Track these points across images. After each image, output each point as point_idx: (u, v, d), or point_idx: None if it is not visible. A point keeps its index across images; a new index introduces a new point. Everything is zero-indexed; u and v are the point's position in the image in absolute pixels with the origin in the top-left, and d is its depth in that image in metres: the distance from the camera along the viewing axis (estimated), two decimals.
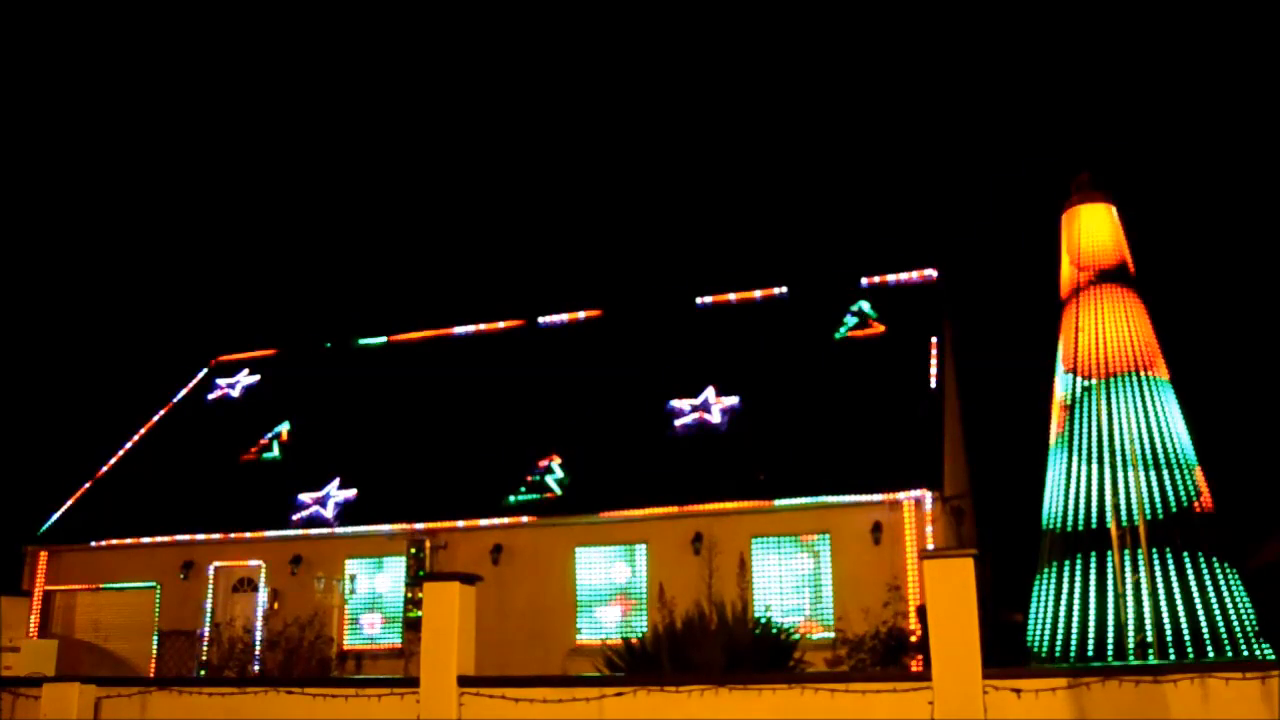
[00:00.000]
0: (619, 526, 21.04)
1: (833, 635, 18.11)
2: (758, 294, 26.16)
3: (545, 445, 22.95)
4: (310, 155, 59.38)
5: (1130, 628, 17.07)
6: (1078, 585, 18.03)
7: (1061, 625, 18.01)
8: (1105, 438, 18.56)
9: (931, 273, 25.01)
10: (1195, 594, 17.50)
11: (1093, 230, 20.13)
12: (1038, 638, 18.43)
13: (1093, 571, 17.93)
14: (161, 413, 29.04)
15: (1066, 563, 18.33)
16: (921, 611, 15.82)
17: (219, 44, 57.14)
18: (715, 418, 22.40)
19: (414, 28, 58.64)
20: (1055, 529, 18.77)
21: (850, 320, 23.94)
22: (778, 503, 20.10)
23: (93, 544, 24.64)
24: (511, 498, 21.95)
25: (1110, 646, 17.34)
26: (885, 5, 56.07)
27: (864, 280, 25.22)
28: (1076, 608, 17.92)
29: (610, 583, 20.98)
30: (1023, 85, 53.75)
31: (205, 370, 30.44)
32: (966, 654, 11.39)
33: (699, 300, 26.60)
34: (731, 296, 26.37)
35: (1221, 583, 17.69)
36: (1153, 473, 18.14)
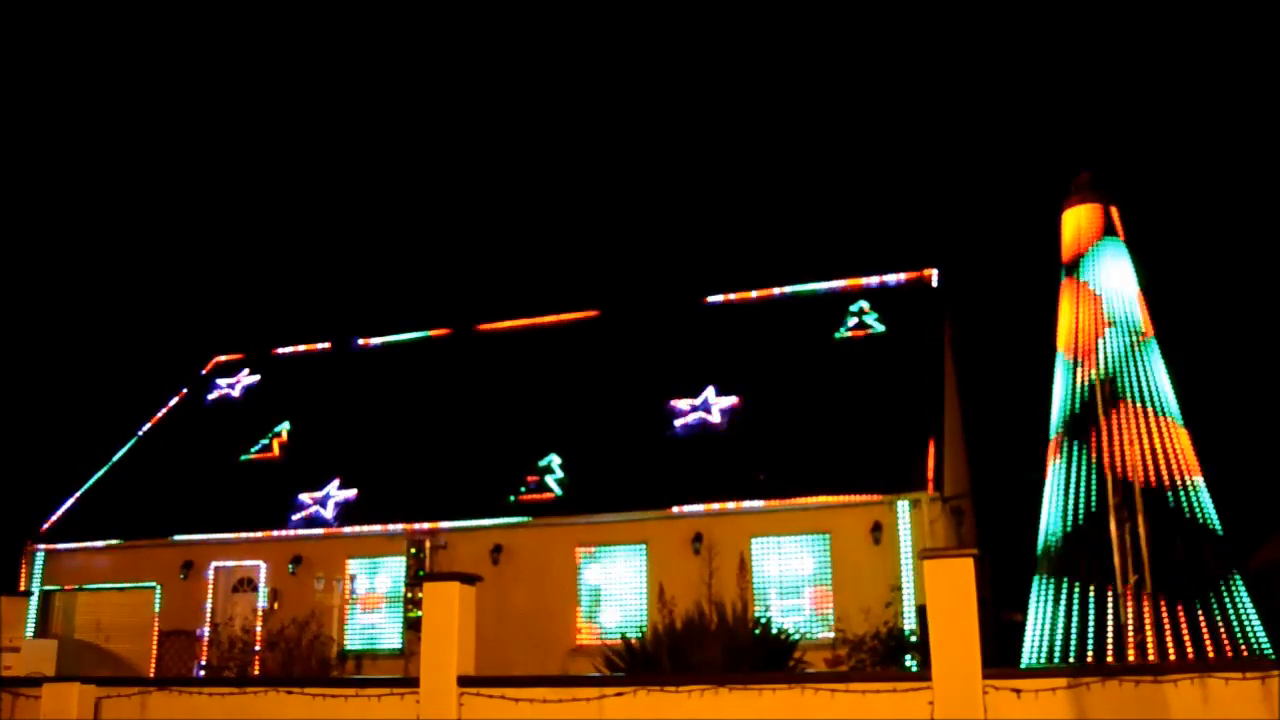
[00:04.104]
0: (619, 526, 21.03)
1: (833, 635, 18.11)
2: (757, 294, 26.17)
3: (545, 445, 22.95)
4: (310, 154, 59.40)
5: (1130, 628, 17.03)
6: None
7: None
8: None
9: (931, 273, 25.02)
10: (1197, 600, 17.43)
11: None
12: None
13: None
14: (162, 412, 29.04)
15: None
16: (921, 611, 15.83)
17: (219, 43, 57.15)
18: (715, 418, 22.39)
19: (414, 26, 58.66)
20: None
21: (850, 320, 23.94)
22: (778, 503, 20.09)
23: (93, 544, 24.64)
24: (511, 498, 21.94)
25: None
26: (885, 5, 56.10)
27: (864, 280, 25.23)
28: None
29: (610, 583, 20.96)
30: (1023, 85, 53.79)
31: (205, 370, 30.44)
32: (966, 654, 11.40)
33: (699, 301, 26.59)
34: (732, 296, 26.38)
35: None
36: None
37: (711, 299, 26.51)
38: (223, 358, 30.73)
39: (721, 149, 56.71)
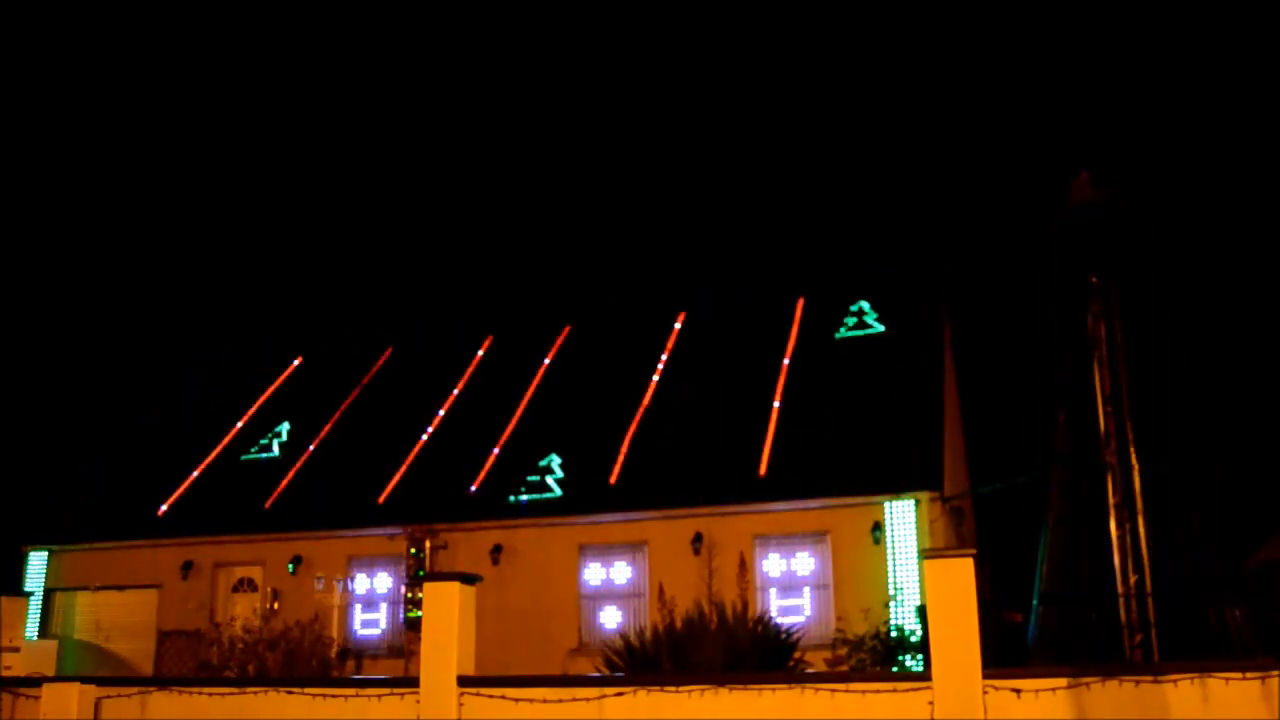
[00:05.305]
0: (619, 526, 21.03)
1: (833, 635, 18.13)
2: (759, 293, 26.15)
3: (545, 445, 22.93)
4: (314, 153, 59.38)
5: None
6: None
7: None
8: None
9: (932, 272, 24.98)
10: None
11: None
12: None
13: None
14: (162, 412, 29.00)
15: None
16: (921, 611, 15.83)
17: (219, 42, 57.18)
18: (715, 417, 22.37)
19: (411, 31, 58.68)
20: None
21: (850, 320, 23.92)
22: (778, 503, 20.08)
23: (93, 544, 24.63)
24: (511, 498, 21.94)
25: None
26: (884, 4, 56.09)
27: (864, 280, 25.19)
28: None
29: (610, 583, 20.96)
30: (1023, 83, 53.75)
31: (205, 369, 30.39)
32: (966, 654, 11.41)
33: (698, 300, 26.57)
34: (731, 296, 26.36)
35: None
36: None
37: (711, 299, 26.49)
38: (222, 357, 30.65)
39: (723, 147, 56.71)
